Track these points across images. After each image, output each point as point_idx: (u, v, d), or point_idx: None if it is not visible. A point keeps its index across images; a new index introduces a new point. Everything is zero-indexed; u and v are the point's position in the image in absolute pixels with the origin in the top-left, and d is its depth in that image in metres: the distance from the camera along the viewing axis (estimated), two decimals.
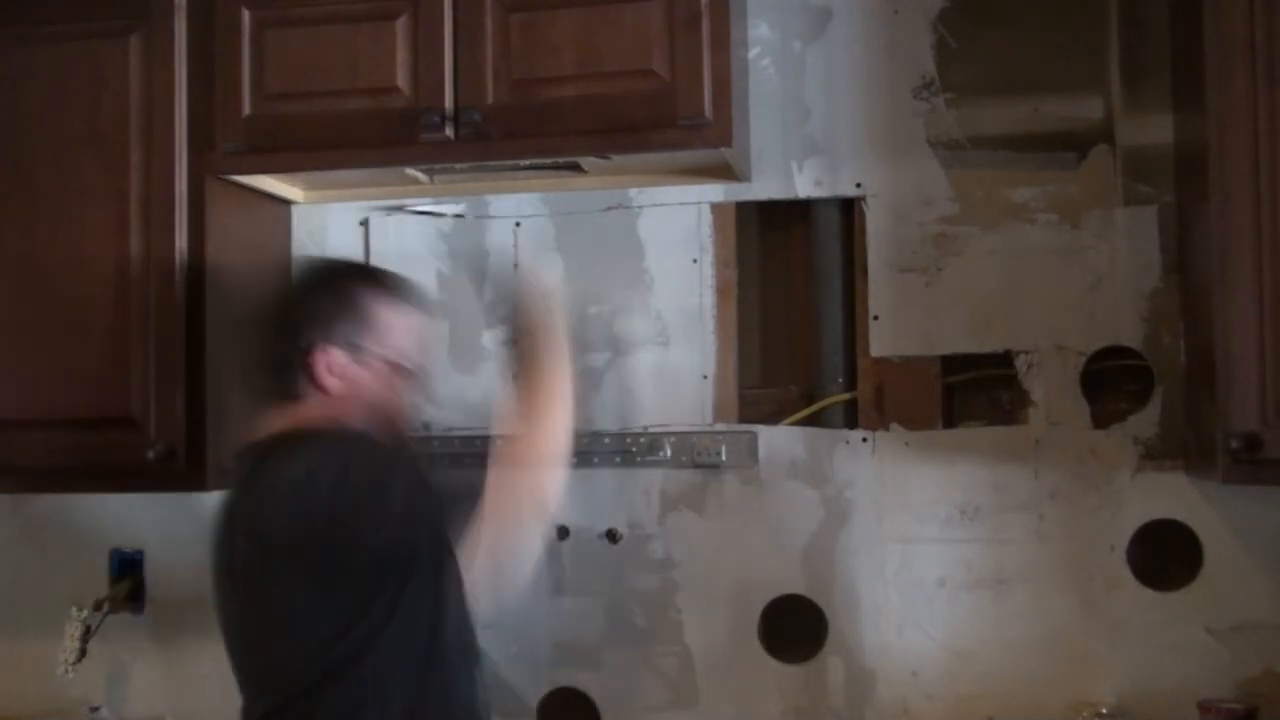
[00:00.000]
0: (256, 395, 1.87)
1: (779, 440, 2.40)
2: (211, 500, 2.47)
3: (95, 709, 2.58)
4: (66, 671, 2.50)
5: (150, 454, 2.24)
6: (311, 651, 1.76)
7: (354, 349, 1.85)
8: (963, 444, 2.34)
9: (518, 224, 2.52)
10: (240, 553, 1.81)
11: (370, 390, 1.86)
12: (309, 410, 1.83)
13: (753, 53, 2.42)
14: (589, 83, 2.09)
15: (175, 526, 2.60)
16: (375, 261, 2.55)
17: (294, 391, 1.84)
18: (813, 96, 2.42)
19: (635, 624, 2.43)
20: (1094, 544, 2.27)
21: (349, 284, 1.90)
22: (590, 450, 2.43)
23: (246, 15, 2.21)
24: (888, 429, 2.36)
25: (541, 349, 1.93)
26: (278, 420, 1.84)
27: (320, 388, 1.83)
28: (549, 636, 2.46)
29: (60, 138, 2.30)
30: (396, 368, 1.89)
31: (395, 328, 1.89)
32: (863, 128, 2.39)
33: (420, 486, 1.77)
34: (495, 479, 1.76)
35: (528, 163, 2.30)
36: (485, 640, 2.48)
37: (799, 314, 2.49)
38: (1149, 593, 2.25)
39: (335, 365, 1.83)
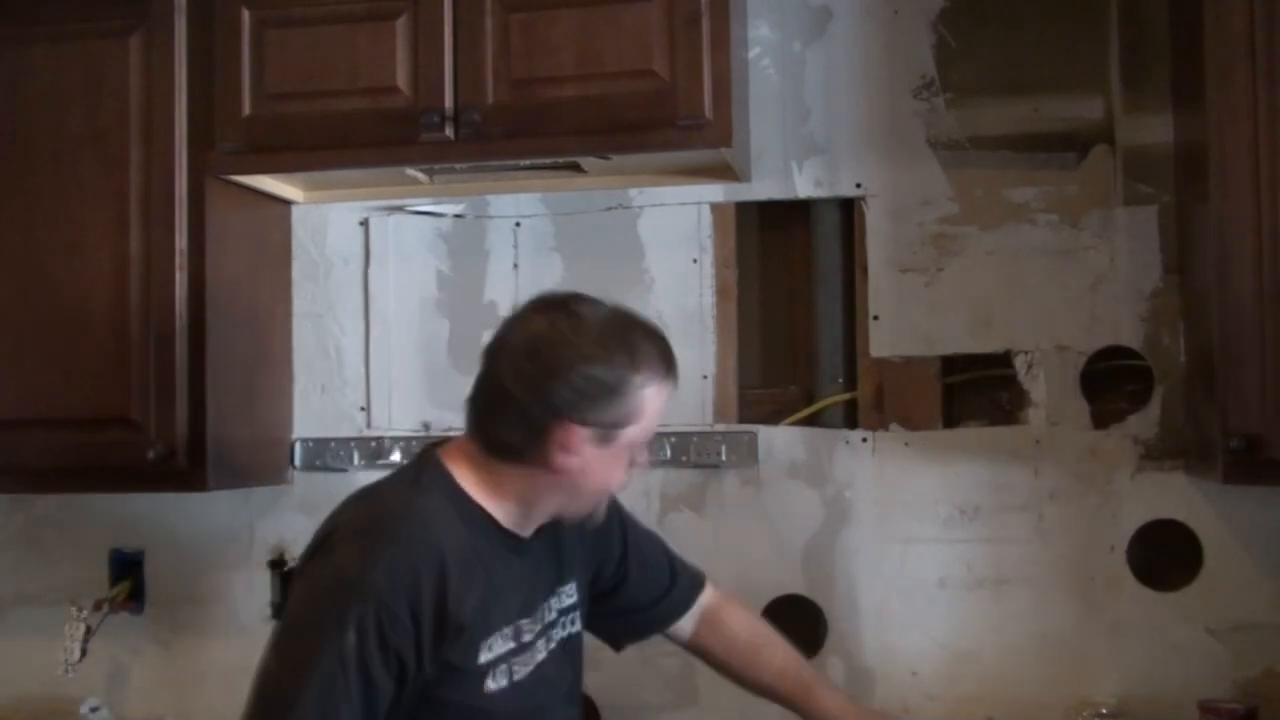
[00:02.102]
0: (472, 422, 1.63)
1: (779, 440, 2.40)
2: (211, 500, 2.48)
3: (95, 709, 2.57)
4: (66, 671, 2.50)
5: (150, 454, 2.24)
6: None
7: (605, 430, 1.57)
8: (963, 444, 2.33)
9: (518, 224, 2.52)
10: None
11: (597, 477, 1.61)
12: (496, 472, 1.60)
13: (753, 53, 2.42)
14: (589, 83, 2.09)
15: (175, 526, 2.60)
16: (375, 261, 2.56)
17: (509, 451, 1.59)
18: (813, 97, 2.42)
19: None
20: (1094, 544, 2.27)
21: (630, 357, 1.58)
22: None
23: (246, 15, 2.21)
24: (888, 429, 2.36)
25: None
26: (461, 452, 1.63)
27: (546, 465, 1.57)
28: None
29: (60, 138, 2.30)
30: (634, 449, 1.63)
31: (652, 407, 1.61)
32: (863, 128, 2.39)
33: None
34: None
35: (528, 163, 2.30)
36: None
37: (799, 314, 2.48)
38: (1149, 593, 2.25)
39: (576, 446, 1.57)
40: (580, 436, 1.56)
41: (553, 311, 1.59)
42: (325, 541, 1.58)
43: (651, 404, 1.60)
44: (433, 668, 1.53)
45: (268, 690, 1.51)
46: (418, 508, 1.58)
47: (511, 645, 1.63)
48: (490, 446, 1.60)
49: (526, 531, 1.67)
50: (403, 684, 1.52)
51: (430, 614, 1.52)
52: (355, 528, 1.57)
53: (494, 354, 1.60)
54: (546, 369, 1.54)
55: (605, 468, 1.61)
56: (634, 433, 1.60)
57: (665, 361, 1.62)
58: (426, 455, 1.68)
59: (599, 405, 1.55)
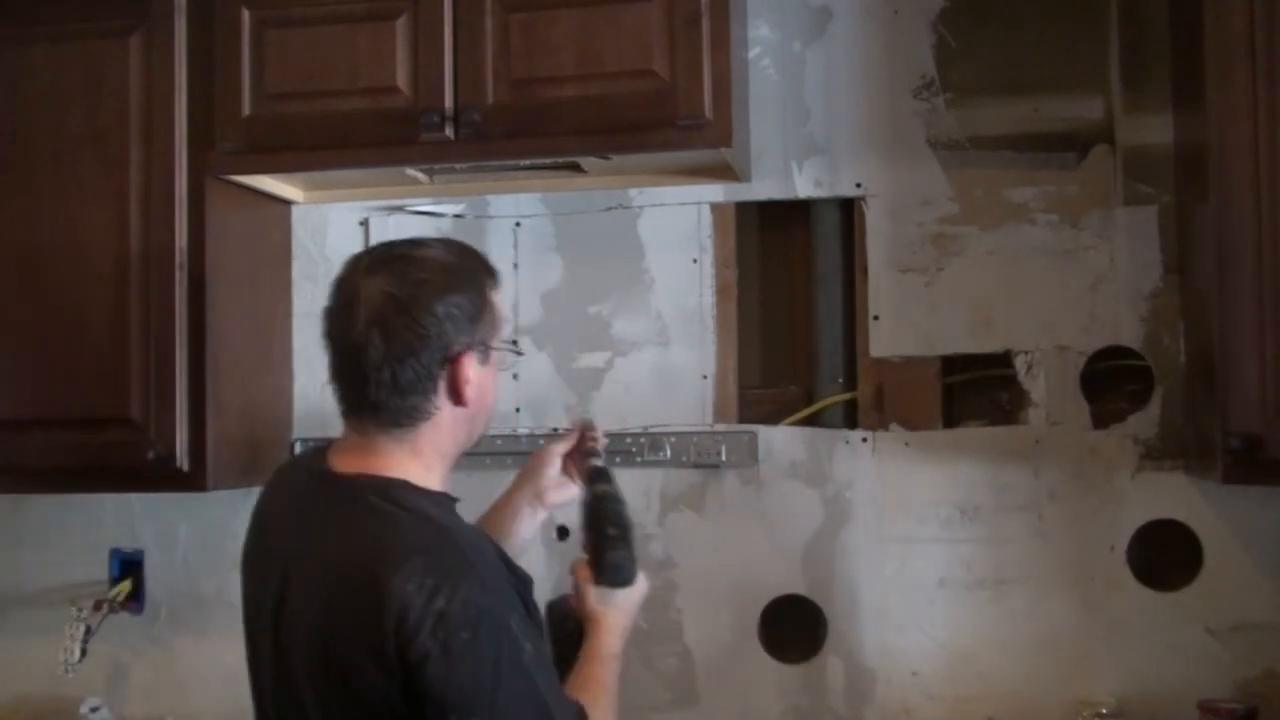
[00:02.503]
0: (359, 417, 1.57)
1: (779, 440, 2.40)
2: (211, 500, 2.48)
3: (95, 709, 2.57)
4: (66, 671, 2.50)
5: (150, 454, 2.24)
6: None
7: (484, 352, 1.59)
8: (963, 444, 2.34)
9: (518, 224, 2.52)
10: (304, 605, 1.51)
11: (489, 396, 1.61)
12: (414, 442, 1.56)
13: (753, 53, 2.42)
14: (589, 83, 2.09)
15: (175, 526, 2.60)
16: None
17: (416, 413, 1.55)
18: (813, 97, 2.42)
19: (635, 624, 2.42)
20: (1094, 544, 2.27)
21: (474, 271, 1.61)
22: (590, 450, 2.43)
23: (246, 15, 2.21)
24: (888, 429, 2.36)
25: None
26: (368, 447, 1.56)
27: (459, 401, 1.56)
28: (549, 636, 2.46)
29: (60, 138, 2.30)
30: (498, 359, 1.63)
31: (503, 314, 1.64)
32: (863, 128, 2.39)
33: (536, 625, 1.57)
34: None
35: (528, 163, 2.30)
36: None
37: (799, 314, 2.49)
38: (1149, 593, 2.25)
39: (468, 372, 1.56)
40: (470, 361, 1.56)
41: (382, 269, 1.56)
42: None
43: (501, 306, 1.63)
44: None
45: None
46: (451, 532, 1.53)
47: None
48: (396, 420, 1.55)
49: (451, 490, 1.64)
50: None
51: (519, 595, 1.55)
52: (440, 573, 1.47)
53: (350, 336, 1.54)
54: (418, 317, 1.52)
55: (491, 382, 1.62)
56: (499, 340, 1.62)
57: (488, 264, 1.65)
58: (370, 484, 1.55)
59: (474, 326, 1.56)
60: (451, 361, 1.54)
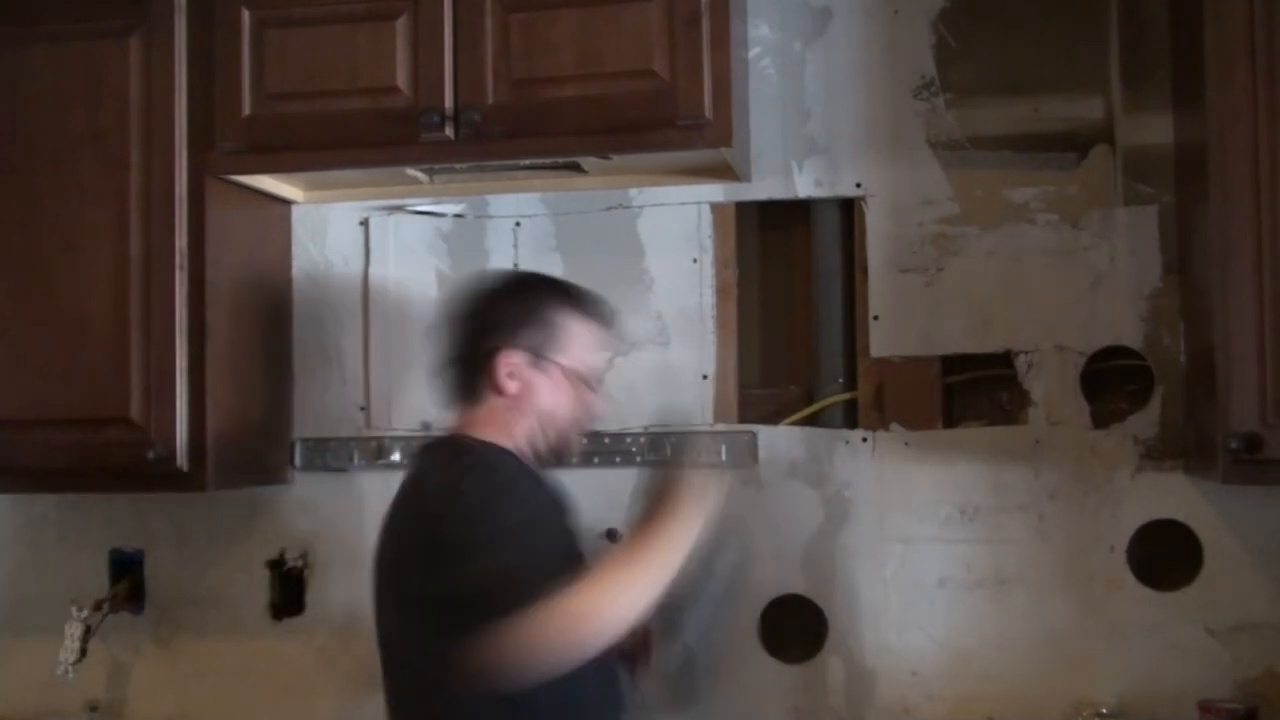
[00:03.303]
0: (443, 392, 1.92)
1: (779, 440, 2.40)
2: (211, 500, 2.49)
3: (95, 709, 2.58)
4: (66, 671, 2.50)
5: (150, 454, 2.24)
6: (419, 684, 1.78)
7: (536, 356, 1.86)
8: (963, 444, 2.34)
9: (518, 224, 2.52)
10: (380, 553, 1.84)
11: (544, 399, 1.87)
12: (478, 415, 1.86)
13: (753, 53, 2.42)
14: (589, 83, 2.09)
15: (175, 526, 2.60)
16: (375, 261, 2.56)
17: (473, 392, 1.87)
18: (813, 97, 2.42)
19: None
20: (1094, 544, 2.27)
21: (539, 293, 1.92)
22: (590, 450, 2.43)
23: (246, 15, 2.21)
24: (888, 429, 2.36)
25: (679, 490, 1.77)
26: (453, 419, 1.90)
27: (498, 390, 1.85)
28: None
29: (60, 138, 2.30)
30: (575, 380, 1.89)
31: (578, 339, 1.90)
32: (863, 128, 2.39)
33: (547, 523, 1.81)
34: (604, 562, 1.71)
35: (528, 163, 2.30)
36: None
37: (799, 314, 2.48)
38: (1149, 593, 2.25)
39: (516, 369, 1.85)
40: (507, 359, 1.84)
41: (485, 284, 1.94)
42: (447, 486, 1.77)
43: (577, 336, 1.89)
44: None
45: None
46: (480, 454, 1.83)
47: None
48: (459, 395, 1.89)
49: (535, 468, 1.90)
50: None
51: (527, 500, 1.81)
52: (458, 475, 1.78)
53: (440, 334, 1.92)
54: (478, 315, 1.89)
55: (550, 392, 1.87)
56: (567, 362, 1.87)
57: (587, 302, 1.94)
58: (446, 445, 1.89)
59: (519, 332, 1.85)
60: (491, 355, 1.84)
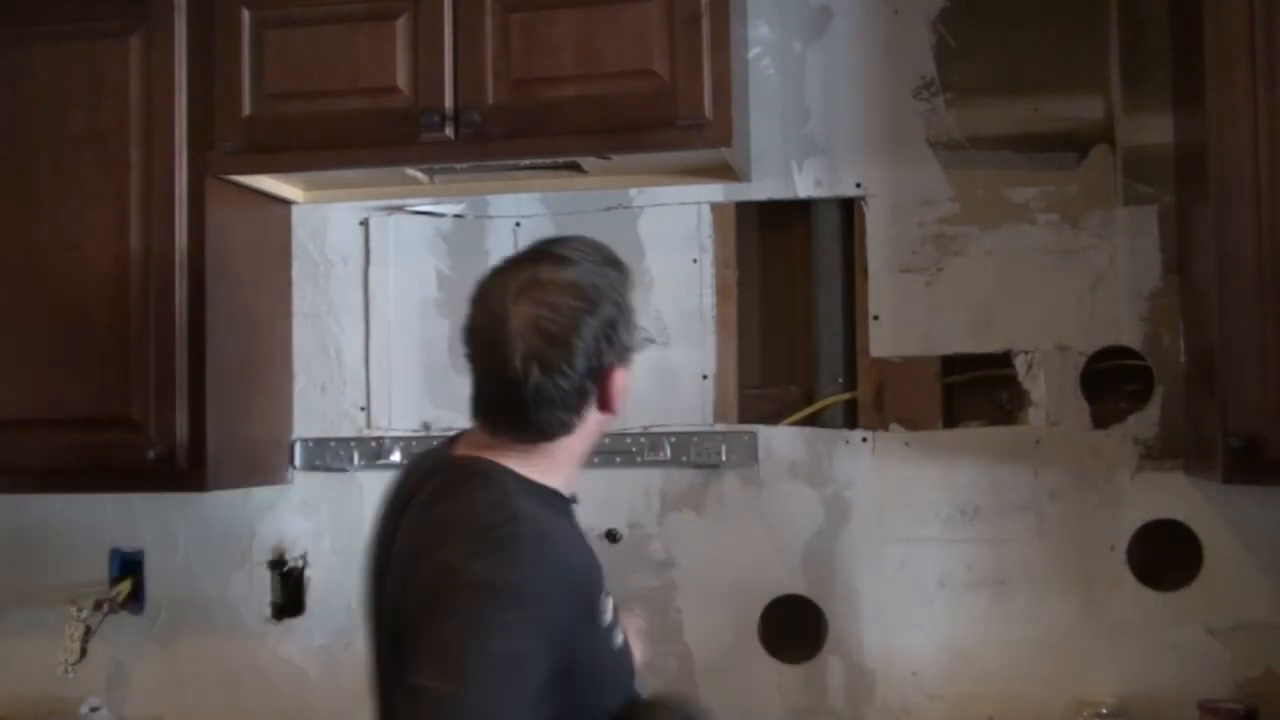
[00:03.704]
0: (500, 426, 1.58)
1: (779, 440, 2.40)
2: (211, 500, 2.49)
3: (95, 709, 2.57)
4: (66, 671, 2.50)
5: (150, 454, 2.24)
6: None
7: (629, 356, 1.60)
8: (963, 444, 2.34)
9: (518, 224, 2.52)
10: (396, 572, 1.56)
11: (627, 396, 1.62)
12: (553, 451, 1.59)
13: (753, 53, 2.42)
14: (589, 83, 2.09)
15: (175, 526, 2.60)
16: (375, 261, 2.56)
17: (563, 428, 1.57)
18: (813, 96, 2.42)
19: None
20: (1094, 544, 2.27)
21: (614, 280, 1.60)
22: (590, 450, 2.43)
23: (246, 15, 2.21)
24: (888, 429, 2.36)
25: None
26: (502, 446, 1.57)
27: (610, 409, 1.59)
28: None
29: (60, 138, 2.30)
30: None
31: (635, 312, 1.64)
32: (863, 128, 2.39)
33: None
34: None
35: (528, 163, 2.30)
36: None
37: (799, 314, 2.48)
38: (1149, 593, 2.25)
39: (618, 381, 1.59)
40: (619, 372, 1.59)
41: (529, 296, 1.55)
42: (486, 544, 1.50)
43: (634, 301, 1.64)
44: (585, 636, 1.54)
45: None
46: (528, 515, 1.54)
47: (612, 602, 1.64)
48: (542, 436, 1.58)
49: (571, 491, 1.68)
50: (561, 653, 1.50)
51: (576, 592, 1.53)
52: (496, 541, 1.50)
53: (506, 371, 1.54)
54: (574, 347, 1.53)
55: (627, 383, 1.63)
56: (636, 337, 1.64)
57: (621, 263, 1.65)
58: (476, 467, 1.59)
59: (620, 339, 1.58)
60: (604, 377, 1.57)
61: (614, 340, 1.57)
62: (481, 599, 1.43)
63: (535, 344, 1.52)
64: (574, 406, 1.56)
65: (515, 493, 1.55)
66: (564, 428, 1.57)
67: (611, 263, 1.63)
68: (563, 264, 1.58)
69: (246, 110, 2.21)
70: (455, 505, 1.54)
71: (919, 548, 2.34)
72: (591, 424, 1.61)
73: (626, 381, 1.61)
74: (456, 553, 1.47)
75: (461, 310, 2.51)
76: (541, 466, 1.60)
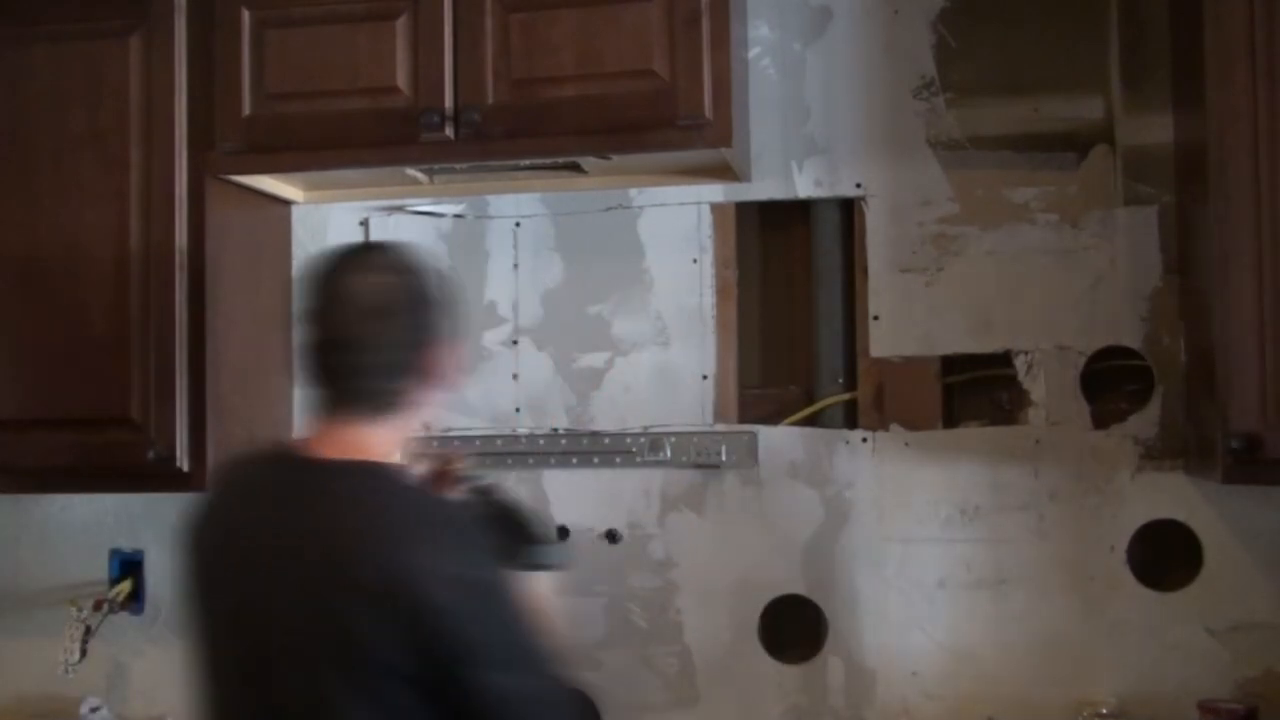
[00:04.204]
0: (345, 408, 1.61)
1: (779, 440, 2.40)
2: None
3: (95, 709, 2.57)
4: (66, 671, 2.50)
5: (150, 454, 2.24)
6: None
7: (458, 336, 1.71)
8: (963, 444, 2.34)
9: (518, 224, 2.52)
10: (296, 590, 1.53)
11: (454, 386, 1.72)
12: (399, 430, 1.65)
13: (753, 53, 2.42)
14: (589, 83, 2.09)
15: (175, 526, 2.59)
16: None
17: (403, 400, 1.63)
18: (813, 96, 2.42)
19: (635, 624, 2.43)
20: (1094, 544, 2.27)
21: (431, 264, 1.71)
22: (590, 450, 2.44)
23: (246, 15, 2.21)
24: (888, 429, 2.36)
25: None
26: (360, 440, 1.60)
27: (442, 384, 1.67)
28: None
29: (60, 138, 2.30)
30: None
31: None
32: (863, 128, 2.39)
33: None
34: None
35: (528, 163, 2.30)
36: None
37: (799, 314, 2.48)
38: (1149, 593, 2.25)
39: (452, 357, 1.68)
40: (449, 346, 1.67)
41: (365, 267, 1.65)
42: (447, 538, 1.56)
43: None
44: None
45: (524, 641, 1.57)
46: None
47: None
48: (384, 408, 1.63)
49: None
50: None
51: None
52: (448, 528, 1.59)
53: (344, 333, 1.60)
54: (413, 309, 1.63)
55: (457, 372, 1.72)
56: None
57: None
58: (344, 467, 1.60)
59: (451, 313, 1.68)
60: (432, 346, 1.65)
61: (445, 317, 1.67)
62: (510, 596, 1.56)
63: (373, 305, 1.61)
64: (404, 373, 1.62)
65: (415, 484, 1.66)
66: (399, 397, 1.63)
67: (431, 262, 1.73)
68: (384, 247, 1.74)
69: (246, 110, 2.21)
70: (373, 505, 1.55)
71: (919, 548, 2.34)
72: (424, 397, 1.67)
73: (456, 361, 1.70)
74: (435, 555, 1.49)
75: (462, 310, 2.53)
76: (389, 448, 1.65)
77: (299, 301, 1.66)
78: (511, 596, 1.56)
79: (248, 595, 1.57)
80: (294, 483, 1.60)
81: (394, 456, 1.65)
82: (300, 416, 2.56)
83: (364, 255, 1.71)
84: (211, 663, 1.62)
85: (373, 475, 1.59)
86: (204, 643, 1.62)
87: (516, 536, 1.78)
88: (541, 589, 1.76)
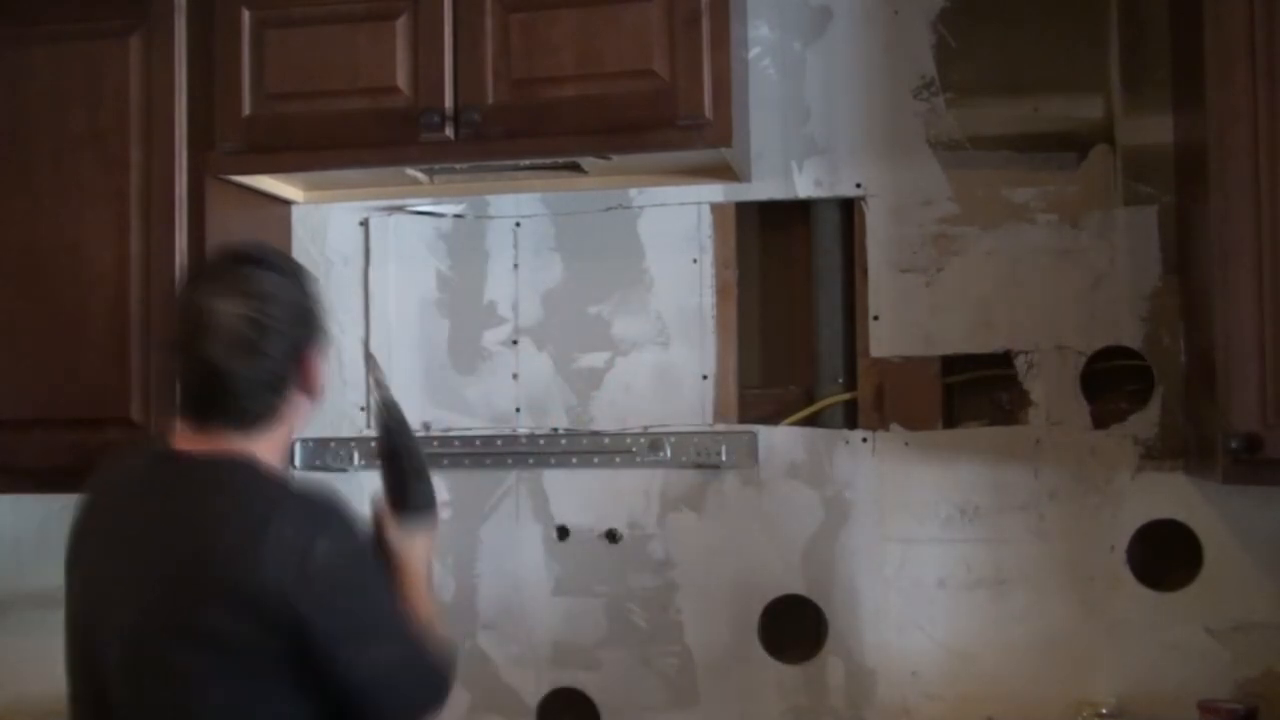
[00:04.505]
0: (214, 422, 1.66)
1: (779, 440, 2.40)
2: None
3: None
4: None
5: None
6: None
7: (324, 345, 1.76)
8: (963, 444, 2.33)
9: (518, 224, 2.52)
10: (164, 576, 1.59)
11: (323, 385, 1.78)
12: (271, 439, 1.69)
13: (753, 53, 2.42)
14: (589, 83, 2.10)
15: None
16: (375, 261, 2.56)
17: (275, 415, 1.68)
18: (813, 96, 2.42)
19: (635, 624, 2.43)
20: (1094, 544, 2.27)
21: (299, 271, 1.77)
22: (590, 450, 2.44)
23: (246, 15, 2.21)
24: (888, 429, 2.36)
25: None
26: (227, 442, 1.65)
27: (313, 393, 1.73)
28: (549, 636, 2.46)
29: (60, 138, 2.30)
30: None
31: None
32: (863, 128, 2.39)
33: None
34: None
35: (528, 163, 2.30)
36: (486, 640, 2.49)
37: (799, 314, 2.48)
38: (1149, 593, 2.25)
39: (320, 365, 1.74)
40: (316, 355, 1.73)
41: (226, 290, 1.66)
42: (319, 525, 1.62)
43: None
44: None
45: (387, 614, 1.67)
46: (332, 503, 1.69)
47: None
48: (256, 424, 1.67)
49: None
50: None
51: None
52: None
53: (211, 361, 1.64)
54: (274, 330, 1.66)
55: (323, 377, 1.78)
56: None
57: (299, 263, 1.86)
58: (207, 460, 1.66)
59: (315, 323, 1.73)
60: (303, 360, 1.70)
61: (310, 326, 1.72)
62: (370, 569, 1.67)
63: (236, 331, 1.64)
64: (279, 390, 1.68)
65: (277, 475, 1.68)
66: (272, 412, 1.68)
67: (297, 265, 1.81)
68: (248, 261, 1.72)
69: (246, 110, 2.21)
70: (232, 490, 1.62)
71: (919, 548, 2.34)
72: (300, 410, 1.73)
73: (323, 369, 1.76)
74: (293, 537, 1.55)
75: (462, 310, 2.54)
76: (266, 456, 1.69)
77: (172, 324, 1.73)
78: (371, 569, 1.67)
79: (113, 579, 1.63)
80: (162, 474, 1.67)
81: (262, 455, 1.68)
82: None
83: (229, 276, 1.69)
84: (82, 646, 1.67)
85: (236, 467, 1.64)
86: (73, 628, 1.69)
87: (396, 470, 1.86)
88: (419, 550, 1.83)
